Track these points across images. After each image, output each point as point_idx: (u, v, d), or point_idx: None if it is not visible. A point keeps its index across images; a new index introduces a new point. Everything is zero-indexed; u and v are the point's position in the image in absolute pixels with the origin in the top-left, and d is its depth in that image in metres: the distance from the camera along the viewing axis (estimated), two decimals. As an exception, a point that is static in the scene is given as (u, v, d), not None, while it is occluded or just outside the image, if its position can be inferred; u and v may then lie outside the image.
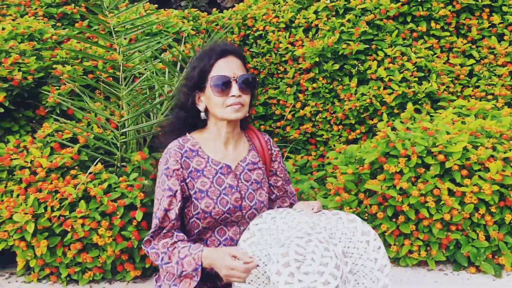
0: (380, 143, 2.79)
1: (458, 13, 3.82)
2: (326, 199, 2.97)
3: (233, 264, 1.53)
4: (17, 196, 2.62)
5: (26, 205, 2.55)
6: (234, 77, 1.74)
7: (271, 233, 1.58)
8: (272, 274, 1.45)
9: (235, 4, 4.82)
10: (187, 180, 1.74)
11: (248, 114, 1.84)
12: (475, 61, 3.73)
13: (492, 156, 2.66)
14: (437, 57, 3.73)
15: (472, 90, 3.60)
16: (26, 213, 2.50)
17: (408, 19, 3.80)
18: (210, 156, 1.80)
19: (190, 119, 1.86)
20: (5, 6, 3.88)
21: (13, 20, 3.66)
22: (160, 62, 3.23)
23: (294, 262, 1.42)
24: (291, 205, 1.95)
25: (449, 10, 3.73)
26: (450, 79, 3.61)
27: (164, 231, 1.71)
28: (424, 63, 3.55)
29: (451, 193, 2.65)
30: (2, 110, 2.91)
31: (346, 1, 3.91)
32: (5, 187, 2.70)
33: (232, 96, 1.73)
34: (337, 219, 1.62)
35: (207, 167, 1.78)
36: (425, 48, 3.74)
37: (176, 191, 1.71)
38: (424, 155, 2.69)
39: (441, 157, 2.64)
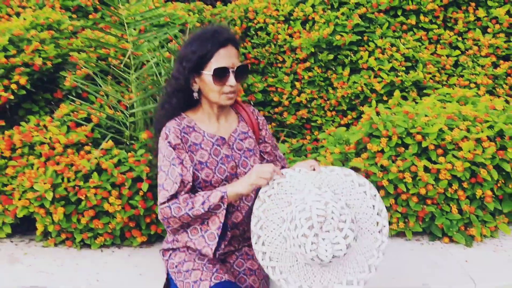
0: (365, 124, 3.06)
1: (446, 7, 4.06)
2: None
3: (263, 164, 1.82)
4: (37, 168, 2.89)
5: (45, 176, 2.85)
6: (232, 68, 1.86)
7: (281, 197, 1.76)
8: (295, 237, 1.63)
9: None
10: (188, 154, 1.90)
11: None
12: (460, 52, 3.98)
13: (466, 137, 2.91)
14: (425, 48, 3.98)
15: (457, 79, 3.85)
16: (45, 183, 2.78)
17: (399, 13, 4.06)
18: (206, 131, 1.96)
19: (185, 99, 1.98)
20: (25, -2, 4.19)
21: (33, 11, 3.97)
22: (167, 51, 3.51)
23: (317, 224, 1.60)
24: (282, 168, 2.13)
25: (437, 4, 3.98)
26: (436, 68, 3.86)
27: (183, 193, 1.85)
28: (411, 53, 3.81)
29: (427, 170, 2.90)
30: (24, 92, 3.21)
31: (341, -4, 4.19)
32: (27, 160, 2.98)
33: (229, 85, 1.87)
34: (335, 175, 1.80)
35: (204, 141, 1.94)
36: (414, 40, 3.99)
37: (183, 159, 1.87)
38: (404, 136, 2.95)
39: (419, 137, 2.90)
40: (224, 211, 1.80)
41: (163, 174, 1.88)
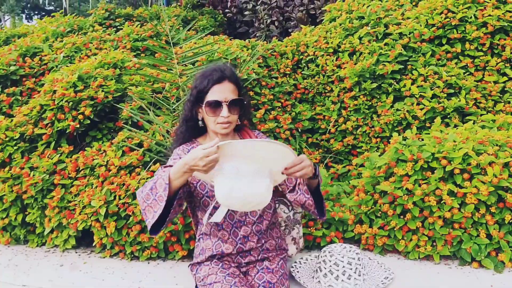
0: (391, 149, 3.16)
1: (492, 34, 4.05)
2: (350, 199, 3.36)
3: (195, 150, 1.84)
4: (95, 187, 3.33)
5: (101, 194, 3.25)
6: (225, 101, 2.13)
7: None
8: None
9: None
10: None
11: (239, 123, 2.29)
12: (508, 79, 3.93)
13: (493, 162, 2.92)
14: (470, 75, 3.98)
15: (504, 106, 3.81)
16: (100, 200, 3.19)
17: (444, 41, 4.11)
18: None
19: (194, 127, 2.29)
20: (102, 41, 4.78)
21: (108, 53, 4.53)
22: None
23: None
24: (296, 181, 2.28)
25: (483, 32, 3.99)
26: (482, 95, 3.85)
27: None
28: (454, 80, 3.84)
29: (453, 194, 2.94)
30: (89, 122, 3.71)
31: (386, 28, 4.32)
32: (88, 180, 3.43)
33: (222, 116, 2.15)
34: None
35: None
36: (459, 68, 4.01)
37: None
38: (430, 160, 3.02)
39: (444, 162, 2.95)
40: (166, 196, 1.88)
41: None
